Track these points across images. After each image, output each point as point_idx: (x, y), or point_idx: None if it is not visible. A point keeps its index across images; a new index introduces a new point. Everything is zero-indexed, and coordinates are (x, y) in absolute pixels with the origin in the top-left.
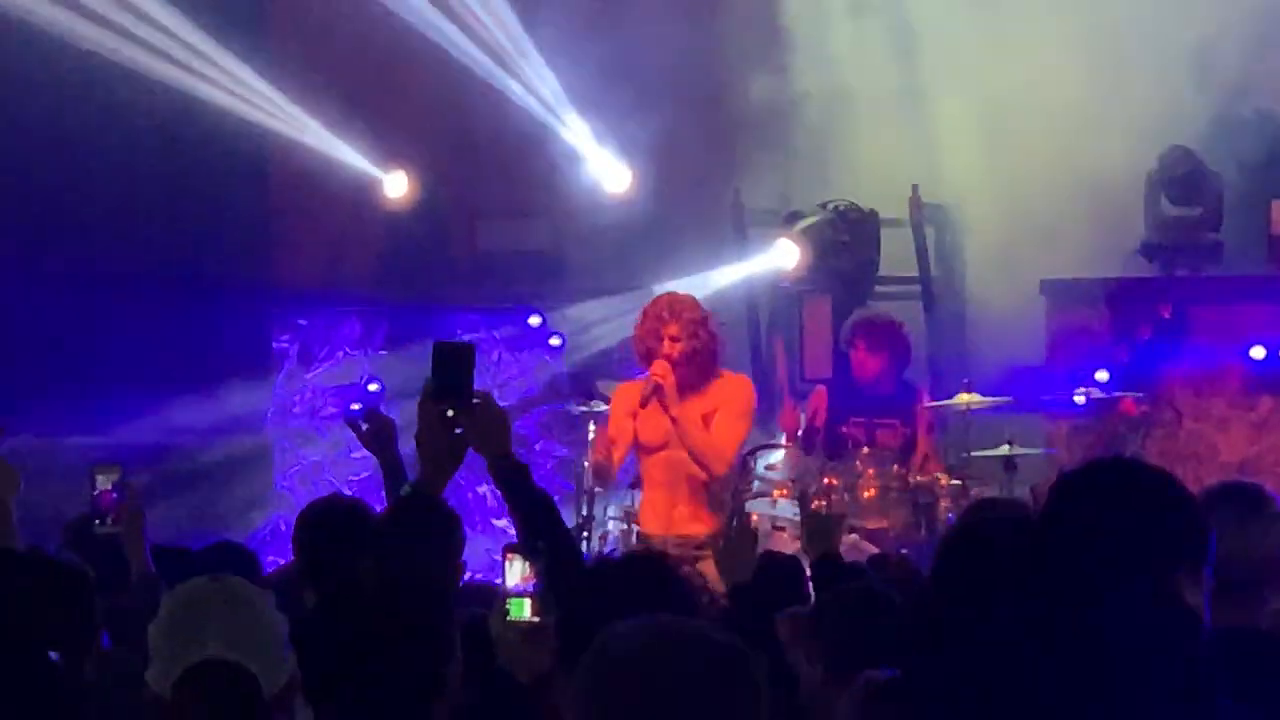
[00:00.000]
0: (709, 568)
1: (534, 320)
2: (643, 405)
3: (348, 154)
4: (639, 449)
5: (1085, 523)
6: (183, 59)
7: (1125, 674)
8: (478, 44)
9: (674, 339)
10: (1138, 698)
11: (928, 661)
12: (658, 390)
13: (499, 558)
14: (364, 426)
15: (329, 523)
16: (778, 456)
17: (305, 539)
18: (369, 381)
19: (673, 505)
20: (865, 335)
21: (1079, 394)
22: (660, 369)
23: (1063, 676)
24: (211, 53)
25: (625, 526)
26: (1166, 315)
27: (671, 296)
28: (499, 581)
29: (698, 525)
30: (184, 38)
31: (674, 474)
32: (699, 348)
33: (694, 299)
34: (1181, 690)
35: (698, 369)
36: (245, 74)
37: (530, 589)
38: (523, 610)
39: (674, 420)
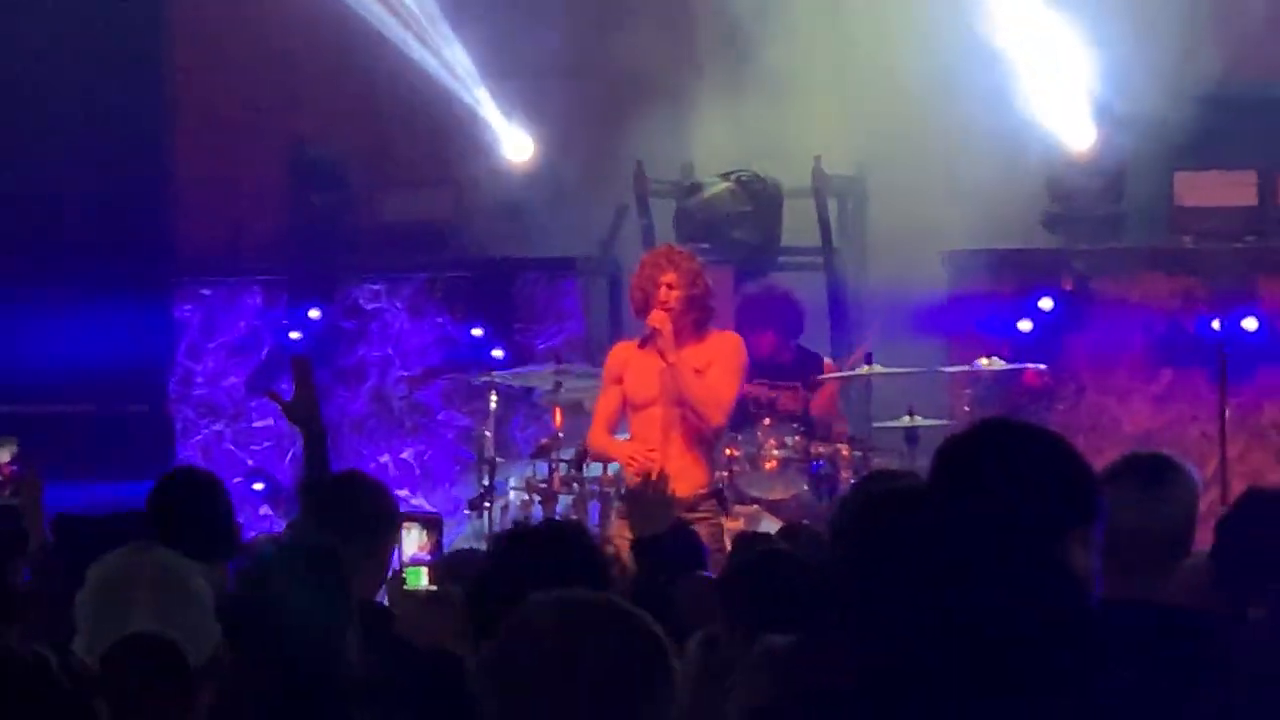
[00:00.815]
0: (703, 529)
1: (434, 293)
2: (641, 346)
3: (252, 124)
4: (628, 406)
5: (968, 486)
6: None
7: (1011, 641)
8: (384, 10)
9: (671, 286)
10: (1025, 665)
11: (825, 628)
12: (655, 336)
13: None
14: (286, 397)
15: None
16: None
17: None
18: (270, 351)
19: (663, 463)
20: (747, 314)
21: (981, 365)
22: (657, 318)
23: (951, 645)
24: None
25: (526, 497)
26: (1068, 288)
27: (669, 247)
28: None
29: (685, 484)
30: None
31: (663, 431)
32: (696, 296)
33: (691, 251)
34: (1069, 657)
35: (694, 321)
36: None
37: (427, 558)
38: (419, 578)
39: (671, 366)
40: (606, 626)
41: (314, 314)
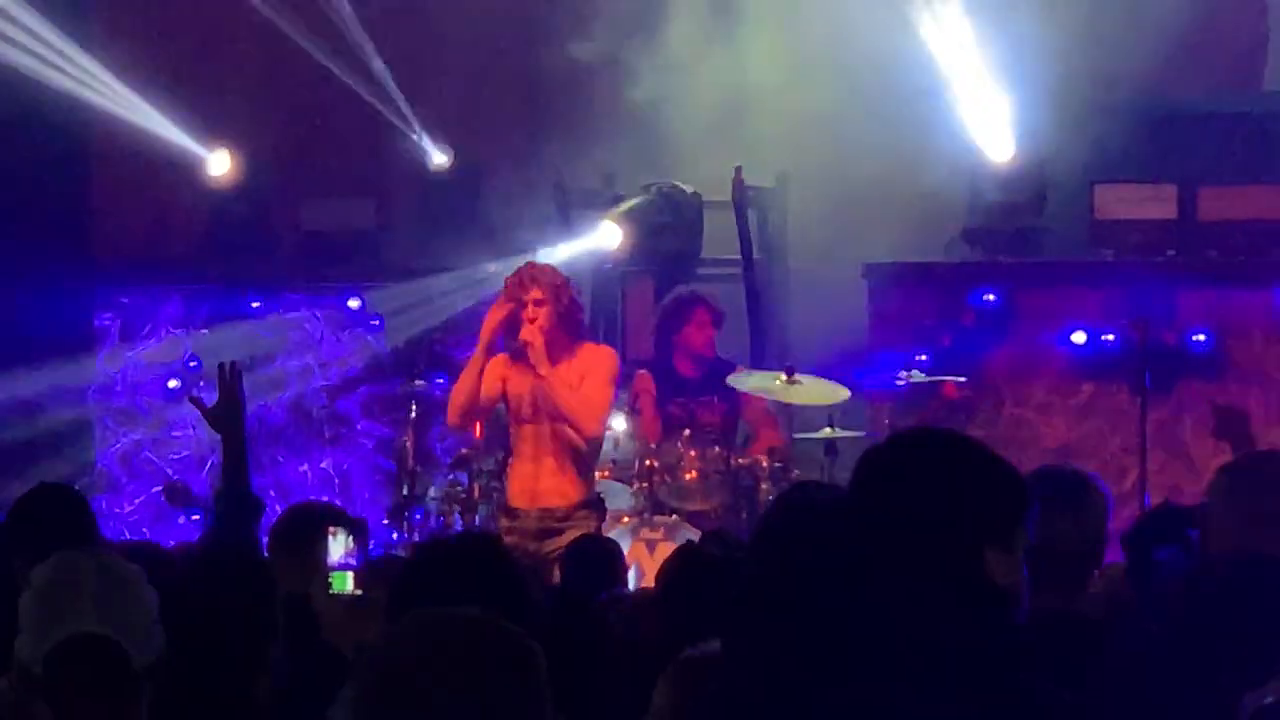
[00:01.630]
0: (570, 538)
1: (353, 303)
2: (514, 361)
3: (171, 131)
4: (510, 419)
5: (887, 497)
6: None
7: (928, 655)
8: (304, 21)
9: (538, 303)
10: (942, 679)
11: (742, 640)
12: (526, 350)
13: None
14: (209, 404)
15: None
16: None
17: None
18: (190, 360)
19: (537, 478)
20: (706, 307)
21: (900, 377)
22: (528, 332)
23: (869, 656)
24: (32, 24)
25: (445, 507)
26: (990, 299)
27: (530, 264)
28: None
29: (560, 498)
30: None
31: (539, 447)
32: (563, 311)
33: (553, 266)
34: (988, 670)
35: (563, 334)
36: (68, 48)
37: (352, 563)
38: (345, 583)
39: (543, 380)
40: (470, 642)
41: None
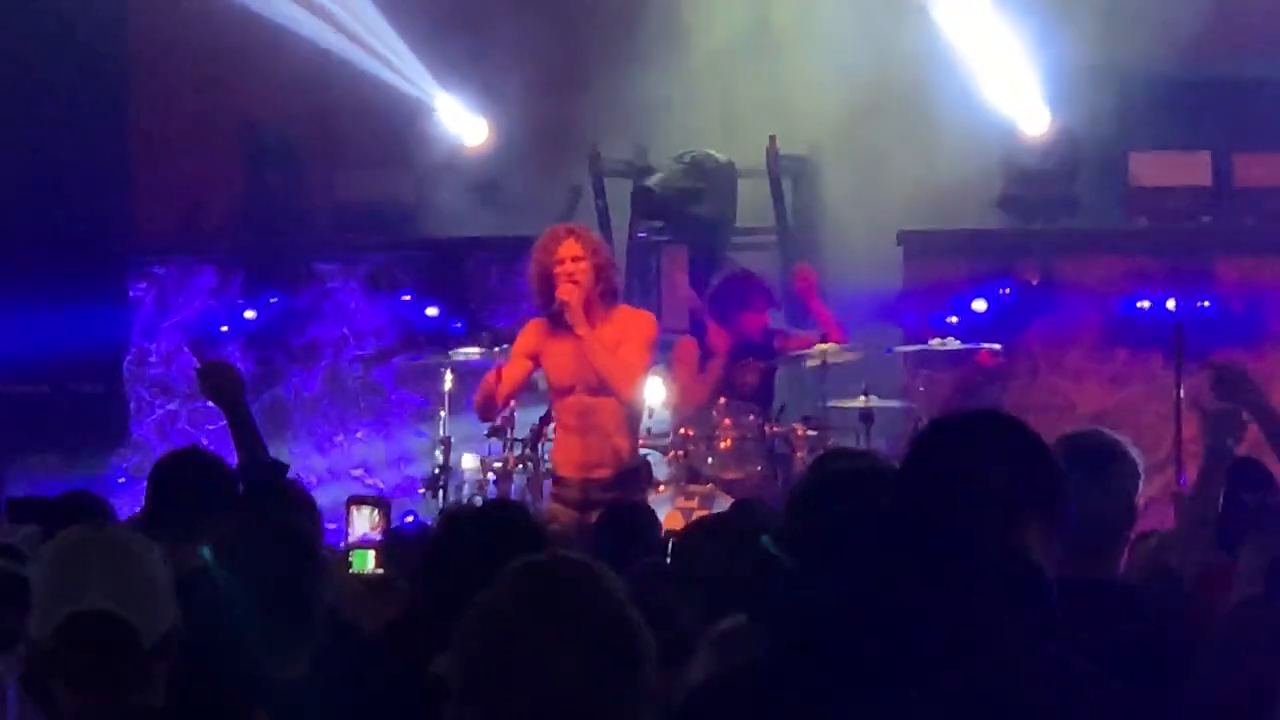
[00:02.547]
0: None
1: (431, 311)
2: (552, 326)
3: (205, 106)
4: (551, 391)
5: (933, 472)
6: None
7: (965, 629)
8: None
9: (576, 259)
10: (977, 654)
11: (777, 609)
12: (564, 309)
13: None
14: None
15: (183, 475)
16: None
17: (156, 491)
18: (227, 329)
19: (582, 450)
20: (764, 294)
21: (935, 345)
22: (565, 290)
23: (902, 631)
24: None
25: (480, 476)
26: (1033, 281)
27: (564, 224)
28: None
29: (605, 469)
30: None
31: (584, 419)
32: (602, 265)
33: (588, 227)
34: (1022, 647)
35: (602, 295)
36: None
37: (376, 538)
38: (365, 562)
39: (583, 340)
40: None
41: (272, 299)
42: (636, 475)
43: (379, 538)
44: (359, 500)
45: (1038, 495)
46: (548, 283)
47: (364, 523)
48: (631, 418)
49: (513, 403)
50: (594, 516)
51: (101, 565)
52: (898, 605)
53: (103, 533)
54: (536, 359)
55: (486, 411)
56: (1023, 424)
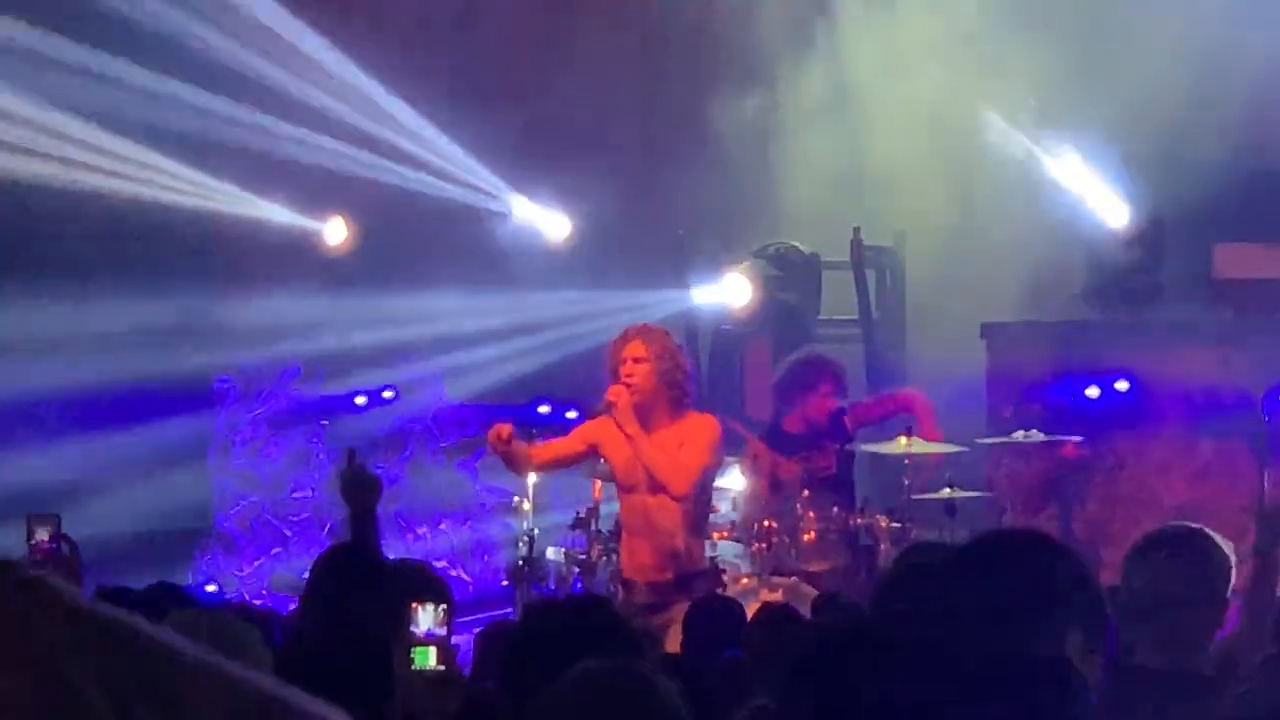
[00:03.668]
0: (679, 613)
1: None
2: (599, 413)
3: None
4: (617, 490)
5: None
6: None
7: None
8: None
9: (637, 360)
10: None
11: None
12: (610, 409)
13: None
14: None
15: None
16: (728, 496)
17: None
18: (311, 422)
19: (646, 551)
20: (835, 379)
21: (1019, 437)
22: (614, 391)
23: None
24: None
25: (564, 569)
26: (1121, 389)
27: (641, 325)
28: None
29: (667, 572)
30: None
31: (640, 519)
32: (667, 371)
33: (664, 330)
34: None
35: (668, 401)
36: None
37: (436, 637)
38: (428, 658)
39: (630, 439)
40: (630, 695)
41: (360, 400)
42: (702, 579)
43: (442, 633)
44: (421, 598)
45: (1078, 612)
46: (611, 380)
47: (428, 619)
48: (693, 519)
49: (597, 489)
50: (659, 620)
51: (211, 644)
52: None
53: (208, 615)
54: (595, 449)
55: (511, 463)
56: (1061, 543)
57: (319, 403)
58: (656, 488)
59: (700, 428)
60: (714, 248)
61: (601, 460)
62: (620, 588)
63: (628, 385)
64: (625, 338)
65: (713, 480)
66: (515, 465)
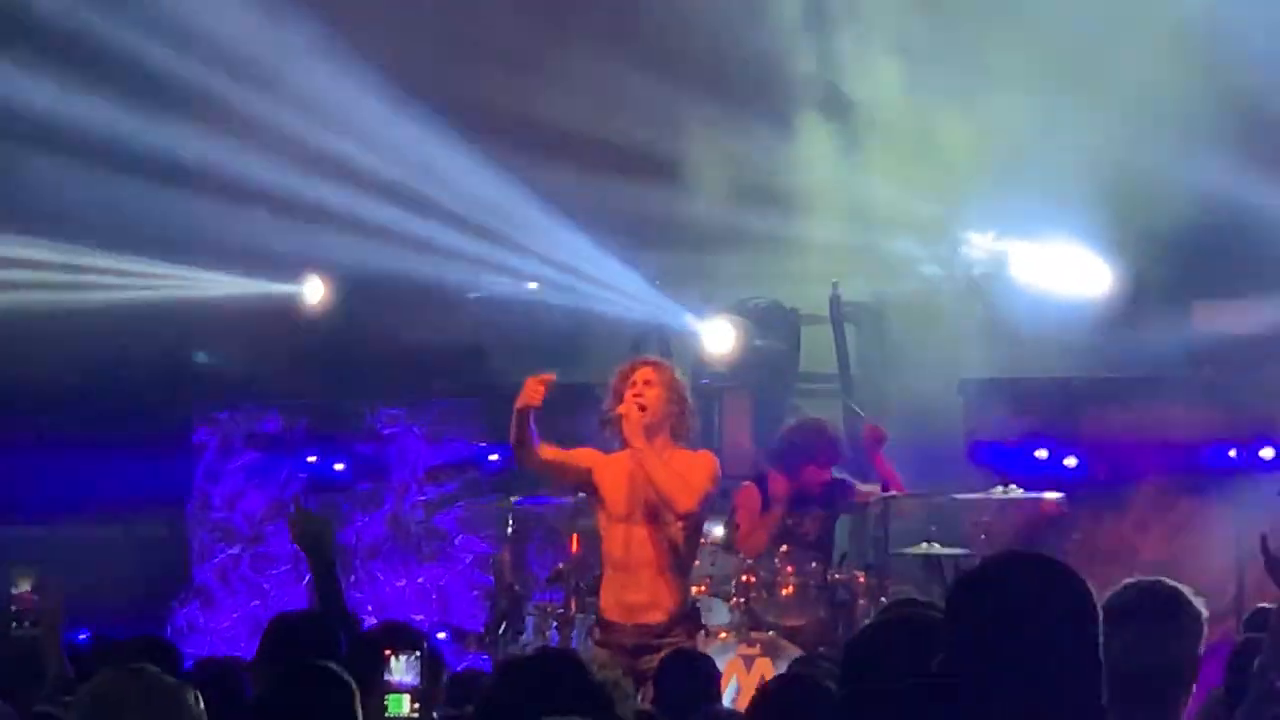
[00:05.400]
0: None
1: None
2: (604, 422)
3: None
4: (605, 517)
5: (978, 621)
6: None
7: None
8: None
9: (649, 383)
10: None
11: None
12: (621, 420)
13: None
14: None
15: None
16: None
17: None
18: (290, 474)
19: (633, 590)
20: (829, 450)
21: (997, 493)
22: (625, 406)
23: None
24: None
25: (542, 622)
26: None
27: (654, 357)
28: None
29: (657, 613)
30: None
31: (632, 553)
32: (674, 399)
33: (674, 367)
34: None
35: (668, 430)
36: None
37: (409, 686)
38: (401, 706)
39: (636, 452)
40: None
41: (338, 466)
42: (688, 620)
43: (415, 682)
44: (392, 647)
45: (1080, 640)
46: (616, 402)
47: (399, 669)
48: (683, 555)
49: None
50: (644, 664)
51: (137, 707)
52: None
53: (139, 675)
54: (589, 475)
55: (521, 445)
56: (1057, 565)
57: (298, 455)
58: (652, 516)
59: (702, 459)
60: (695, 303)
61: (586, 498)
62: (598, 629)
63: (639, 404)
64: (636, 365)
65: (708, 511)
66: (524, 439)
